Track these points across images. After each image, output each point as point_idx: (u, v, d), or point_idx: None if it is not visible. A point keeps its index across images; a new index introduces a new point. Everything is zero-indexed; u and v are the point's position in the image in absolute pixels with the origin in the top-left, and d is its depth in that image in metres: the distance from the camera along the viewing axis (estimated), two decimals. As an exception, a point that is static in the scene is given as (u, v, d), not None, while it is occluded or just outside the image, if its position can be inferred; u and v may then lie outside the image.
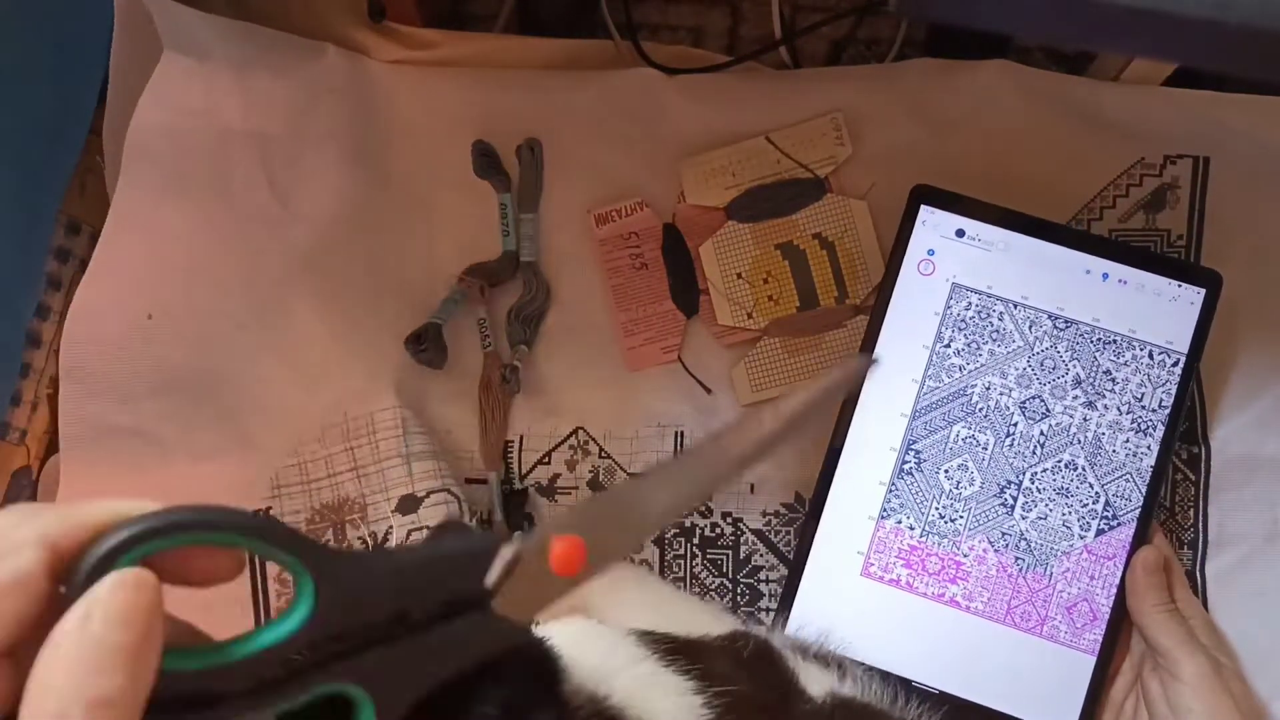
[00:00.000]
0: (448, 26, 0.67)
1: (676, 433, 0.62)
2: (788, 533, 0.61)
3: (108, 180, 0.62)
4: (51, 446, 0.63)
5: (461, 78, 0.65)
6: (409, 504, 0.60)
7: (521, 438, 0.63)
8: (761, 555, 0.61)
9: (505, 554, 0.28)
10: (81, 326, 0.60)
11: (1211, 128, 0.62)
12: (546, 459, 0.62)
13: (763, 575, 0.61)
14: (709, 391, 0.62)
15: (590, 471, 0.62)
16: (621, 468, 0.62)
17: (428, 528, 0.60)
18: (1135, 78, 0.63)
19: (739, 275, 0.63)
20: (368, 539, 0.61)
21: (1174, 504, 0.60)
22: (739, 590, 0.61)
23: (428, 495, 0.60)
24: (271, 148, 0.63)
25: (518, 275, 0.64)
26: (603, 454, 0.62)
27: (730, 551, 0.61)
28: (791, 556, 0.59)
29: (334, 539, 0.61)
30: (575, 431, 0.63)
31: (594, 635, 0.39)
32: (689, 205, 0.64)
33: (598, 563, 0.30)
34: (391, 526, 0.60)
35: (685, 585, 0.61)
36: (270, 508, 0.61)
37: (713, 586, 0.61)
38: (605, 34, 0.69)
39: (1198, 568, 0.59)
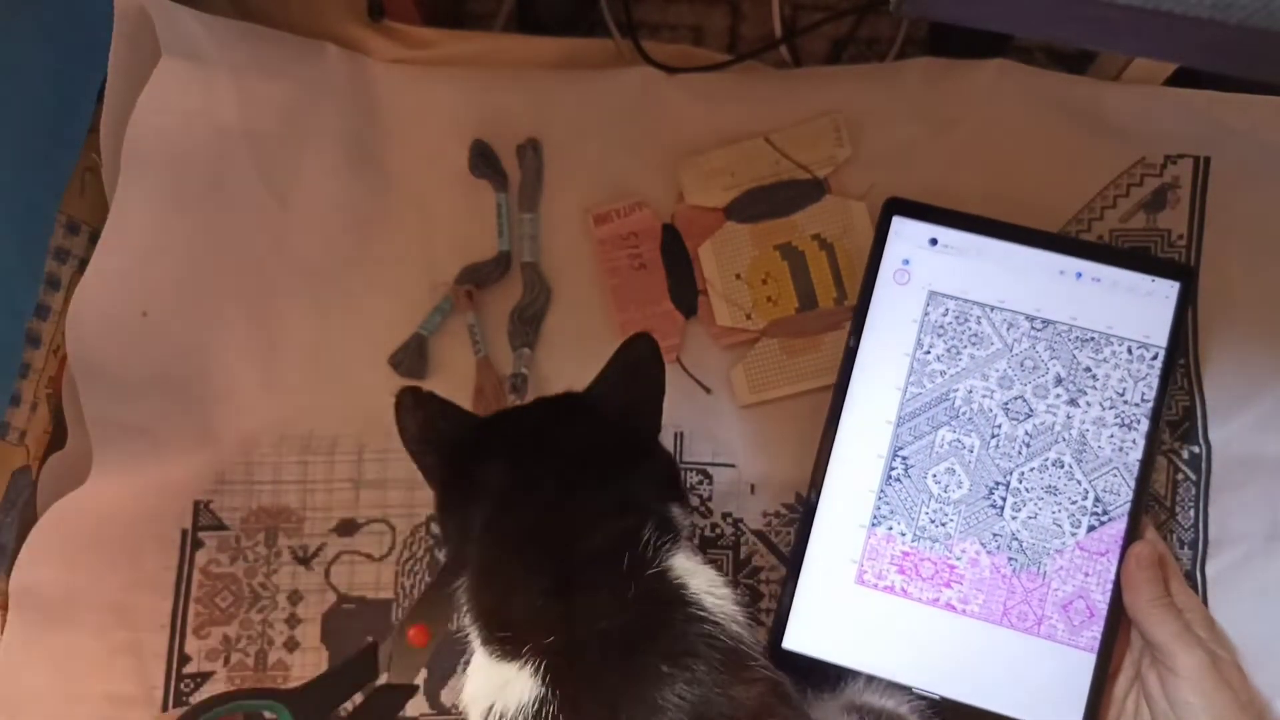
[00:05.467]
0: (447, 25, 0.67)
1: (675, 433, 0.62)
2: (788, 533, 0.61)
3: (105, 181, 0.61)
4: (51, 446, 0.63)
5: (461, 77, 0.65)
6: (348, 528, 0.62)
7: (520, 438, 0.63)
8: (762, 556, 0.61)
9: (384, 650, 0.50)
10: (83, 326, 0.60)
11: (1211, 128, 0.62)
12: (545, 459, 0.62)
13: (763, 576, 0.61)
14: (708, 392, 0.62)
15: (589, 472, 0.62)
16: (620, 468, 0.62)
17: (359, 553, 0.62)
18: (1135, 78, 0.63)
19: (738, 276, 0.63)
20: (298, 550, 0.62)
21: (1174, 504, 0.59)
22: (738, 591, 0.61)
23: (367, 523, 0.62)
24: (269, 148, 0.63)
25: (510, 275, 0.64)
26: (602, 454, 0.62)
27: (730, 552, 0.61)
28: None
29: (264, 543, 0.62)
30: (574, 432, 0.62)
31: None
32: (688, 205, 0.64)
33: (437, 634, 0.50)
34: (325, 544, 0.62)
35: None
36: (211, 501, 0.62)
37: (712, 587, 0.61)
38: (605, 33, 0.69)
39: (1198, 568, 0.59)
